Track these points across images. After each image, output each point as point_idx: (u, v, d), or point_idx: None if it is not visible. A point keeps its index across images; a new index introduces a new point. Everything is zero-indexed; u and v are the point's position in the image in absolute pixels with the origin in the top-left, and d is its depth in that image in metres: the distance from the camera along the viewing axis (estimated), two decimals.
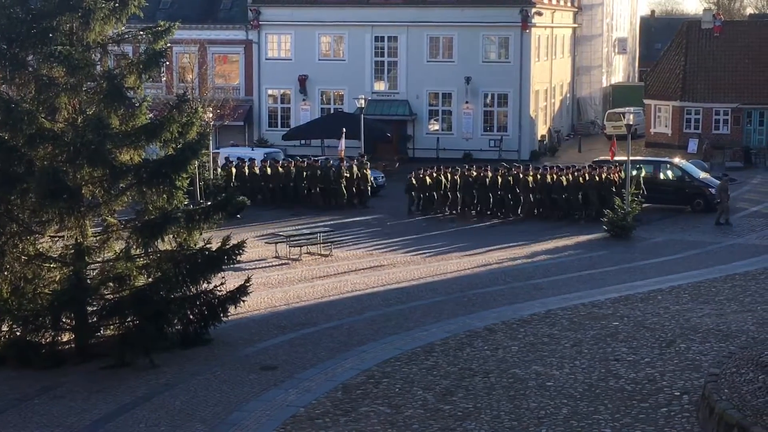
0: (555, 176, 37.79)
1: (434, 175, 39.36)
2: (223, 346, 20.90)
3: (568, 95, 67.21)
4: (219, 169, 42.07)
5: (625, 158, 35.80)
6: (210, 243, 21.16)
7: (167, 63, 42.12)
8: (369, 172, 42.09)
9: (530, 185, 37.83)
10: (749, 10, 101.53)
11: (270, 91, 58.60)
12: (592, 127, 68.32)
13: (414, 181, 39.70)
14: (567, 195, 37.41)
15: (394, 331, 21.79)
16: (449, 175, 39.37)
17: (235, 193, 30.03)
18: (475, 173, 39.02)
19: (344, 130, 44.28)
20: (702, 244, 32.49)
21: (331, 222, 37.02)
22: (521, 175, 38.16)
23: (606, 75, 71.77)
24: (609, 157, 38.94)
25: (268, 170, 41.80)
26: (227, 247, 21.01)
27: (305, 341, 21.16)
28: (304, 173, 41.47)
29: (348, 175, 41.25)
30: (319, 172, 41.46)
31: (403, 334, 21.50)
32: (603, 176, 37.39)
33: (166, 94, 46.33)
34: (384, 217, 38.92)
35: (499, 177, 38.45)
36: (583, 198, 37.30)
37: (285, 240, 30.91)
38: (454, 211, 39.18)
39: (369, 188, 41.82)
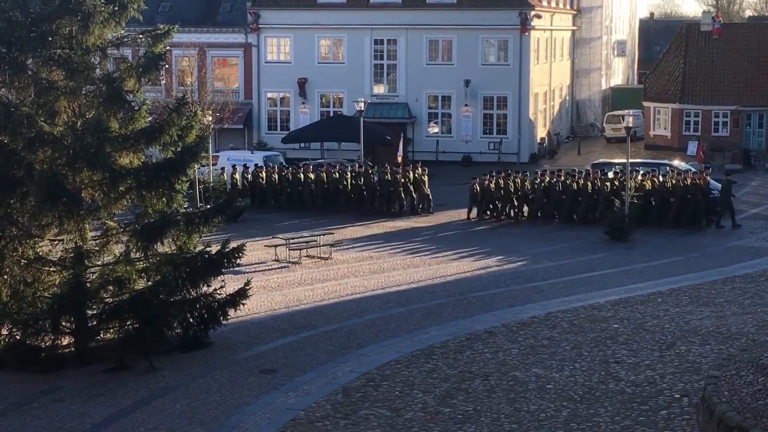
0: (654, 181, 36.29)
1: (500, 181, 37.74)
2: (223, 350, 20.89)
3: (567, 98, 67.25)
4: (237, 175, 41.48)
5: (623, 160, 35.79)
6: (210, 246, 21.18)
7: (167, 66, 42.17)
8: (426, 177, 40.51)
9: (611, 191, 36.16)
10: (748, 13, 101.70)
11: (269, 95, 58.63)
12: (592, 130, 68.36)
13: (477, 188, 38.05)
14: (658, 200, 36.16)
15: (394, 334, 21.78)
16: (518, 182, 37.76)
17: (234, 197, 29.93)
18: (547, 178, 37.67)
19: (402, 134, 43.82)
20: (702, 247, 32.49)
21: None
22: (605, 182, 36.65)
23: (605, 77, 71.81)
24: (609, 160, 38.85)
25: (310, 176, 40.75)
26: (227, 250, 21.01)
27: (305, 344, 21.16)
28: (352, 179, 40.08)
29: (404, 180, 39.90)
30: (375, 177, 40.26)
31: (402, 337, 21.50)
32: (689, 181, 36.28)
33: (166, 98, 46.28)
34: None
35: (581, 183, 36.89)
36: (665, 203, 36.19)
37: (285, 243, 30.90)
38: (521, 217, 37.78)
39: (429, 193, 40.23)
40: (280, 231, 33.45)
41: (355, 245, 33.04)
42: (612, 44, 73.90)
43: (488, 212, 38.27)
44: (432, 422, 16.19)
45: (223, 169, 42.36)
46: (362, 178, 40.23)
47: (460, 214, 39.08)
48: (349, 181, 40.35)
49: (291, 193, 41.14)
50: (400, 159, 42.08)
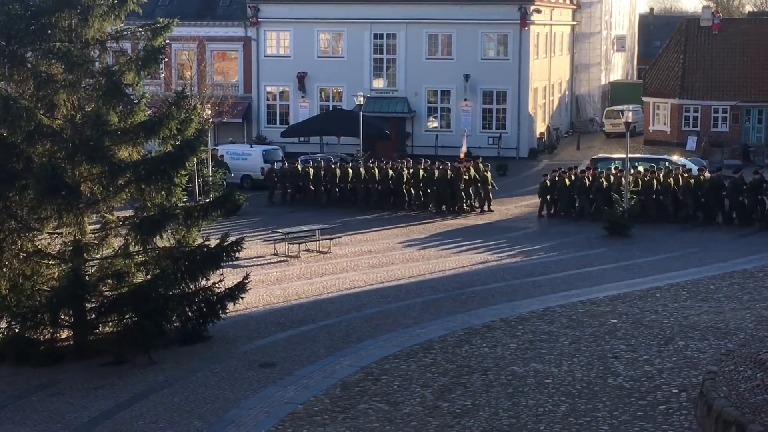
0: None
1: (573, 177, 36.78)
2: (222, 343, 20.90)
3: (566, 93, 67.20)
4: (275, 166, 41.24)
5: (622, 155, 35.78)
6: (208, 240, 21.18)
7: (166, 60, 42.03)
8: (490, 174, 39.32)
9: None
10: (748, 8, 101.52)
11: (269, 89, 58.58)
12: (591, 125, 68.32)
13: (548, 183, 37.15)
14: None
15: (393, 329, 21.79)
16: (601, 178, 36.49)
17: (233, 190, 29.94)
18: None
19: (466, 130, 43.23)
20: (700, 242, 32.48)
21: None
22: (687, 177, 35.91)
23: (605, 72, 71.75)
24: (609, 155, 38.77)
25: (360, 172, 39.73)
26: (226, 244, 21.02)
27: (304, 338, 21.17)
28: (409, 174, 38.93)
29: (467, 176, 38.51)
30: (436, 173, 38.61)
31: (401, 332, 21.51)
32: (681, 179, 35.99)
33: (165, 91, 46.27)
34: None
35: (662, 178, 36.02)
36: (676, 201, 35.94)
37: (284, 237, 30.90)
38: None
39: (491, 191, 39.09)
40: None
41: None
42: (611, 39, 73.82)
43: (556, 208, 37.29)
44: (430, 416, 16.20)
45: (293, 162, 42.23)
46: (426, 174, 38.68)
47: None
48: (407, 177, 38.96)
49: (342, 189, 40.08)
50: (462, 155, 41.58)
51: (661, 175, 36.53)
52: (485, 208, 38.71)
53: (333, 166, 41.02)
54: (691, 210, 35.74)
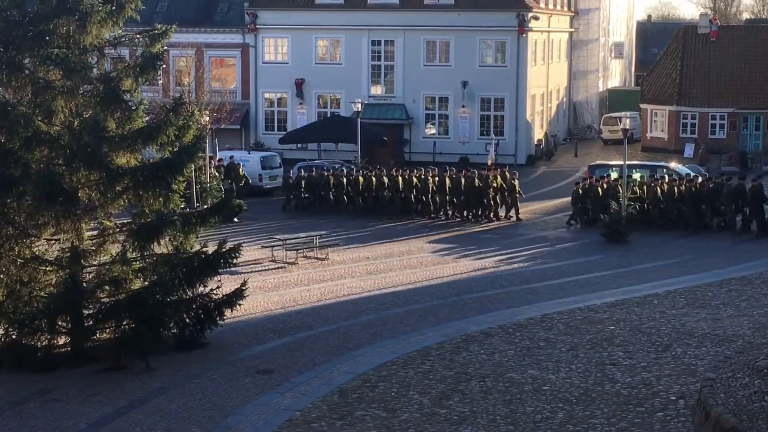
0: None
1: (606, 185, 36.18)
2: (219, 350, 20.88)
3: (564, 99, 67.30)
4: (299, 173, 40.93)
5: (620, 162, 35.80)
6: (207, 246, 21.16)
7: (164, 66, 42.13)
8: (517, 182, 38.64)
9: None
10: (745, 15, 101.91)
11: (267, 95, 58.65)
12: (589, 132, 68.42)
13: (581, 191, 36.62)
14: None
15: (390, 335, 21.78)
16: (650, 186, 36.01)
17: (232, 197, 29.92)
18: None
19: (497, 140, 43.23)
20: (698, 249, 32.49)
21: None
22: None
23: (602, 79, 71.89)
24: (606, 162, 38.73)
25: (383, 180, 39.07)
26: (223, 250, 21.00)
27: (301, 345, 21.15)
28: (434, 183, 38.39)
29: (495, 184, 37.82)
30: (463, 180, 37.90)
31: (399, 338, 21.50)
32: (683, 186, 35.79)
33: (163, 98, 46.27)
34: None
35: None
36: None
37: (281, 244, 30.89)
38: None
39: (518, 199, 38.28)
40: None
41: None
42: (609, 46, 73.98)
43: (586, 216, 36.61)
44: (428, 423, 16.19)
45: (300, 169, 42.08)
46: (454, 182, 38.10)
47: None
48: (431, 185, 38.49)
49: (366, 198, 39.45)
50: (491, 162, 41.40)
51: (664, 184, 36.41)
52: (512, 216, 38.25)
53: (355, 173, 40.36)
54: (708, 217, 35.47)
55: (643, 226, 34.93)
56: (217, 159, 42.51)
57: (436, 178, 38.88)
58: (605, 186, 36.51)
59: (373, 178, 39.45)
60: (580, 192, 36.78)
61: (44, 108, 20.12)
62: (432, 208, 38.81)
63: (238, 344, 21.29)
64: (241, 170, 42.40)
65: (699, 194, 35.75)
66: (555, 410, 16.57)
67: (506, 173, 38.82)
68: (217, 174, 40.71)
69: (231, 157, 43.70)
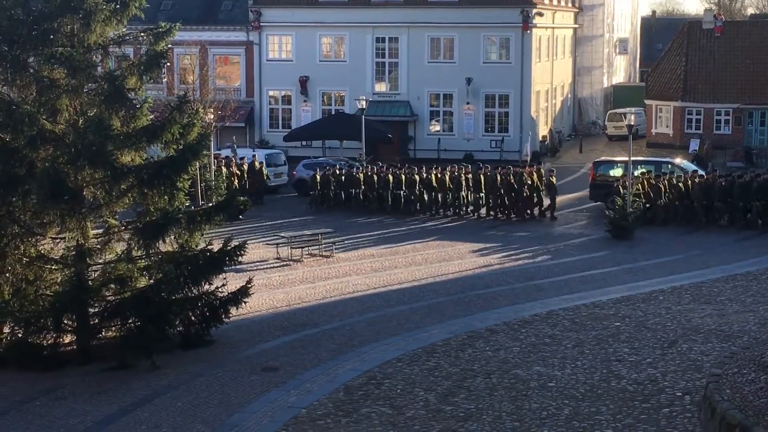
0: None
1: (651, 181, 36.01)
2: (225, 348, 20.90)
3: (569, 96, 67.20)
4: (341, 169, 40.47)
5: (625, 158, 35.74)
6: (212, 244, 21.17)
7: (168, 64, 41.90)
8: (555, 179, 38.17)
9: None
10: (750, 11, 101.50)
11: (271, 93, 58.62)
12: (594, 128, 68.32)
13: (621, 190, 35.44)
14: None
15: (396, 332, 21.78)
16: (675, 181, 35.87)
17: (235, 195, 29.98)
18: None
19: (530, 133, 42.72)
20: (703, 245, 32.45)
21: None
22: None
23: (607, 75, 71.78)
24: (611, 158, 38.65)
25: (414, 178, 38.67)
26: (228, 248, 21.01)
27: (306, 342, 21.16)
28: (466, 180, 38.00)
29: (530, 181, 37.33)
30: (498, 178, 37.30)
31: (404, 335, 21.50)
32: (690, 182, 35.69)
33: (167, 96, 46.27)
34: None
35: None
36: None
37: (287, 241, 30.91)
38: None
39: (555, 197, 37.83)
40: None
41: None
42: (614, 42, 73.86)
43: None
44: (434, 420, 16.18)
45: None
46: (494, 178, 37.38)
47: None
48: (464, 182, 38.09)
49: (395, 195, 39.00)
50: (527, 158, 41.07)
51: (673, 178, 36.34)
52: (547, 214, 37.81)
53: (385, 171, 39.91)
54: (722, 213, 35.32)
55: (648, 222, 34.91)
56: (239, 158, 42.48)
57: (470, 176, 38.64)
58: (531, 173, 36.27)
59: (403, 177, 38.99)
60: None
61: (49, 107, 20.15)
62: (465, 206, 38.49)
63: (243, 342, 21.31)
64: (264, 170, 42.48)
65: (710, 189, 35.66)
66: (561, 407, 16.56)
67: (541, 171, 38.41)
68: (238, 173, 40.71)
69: (253, 155, 43.62)
